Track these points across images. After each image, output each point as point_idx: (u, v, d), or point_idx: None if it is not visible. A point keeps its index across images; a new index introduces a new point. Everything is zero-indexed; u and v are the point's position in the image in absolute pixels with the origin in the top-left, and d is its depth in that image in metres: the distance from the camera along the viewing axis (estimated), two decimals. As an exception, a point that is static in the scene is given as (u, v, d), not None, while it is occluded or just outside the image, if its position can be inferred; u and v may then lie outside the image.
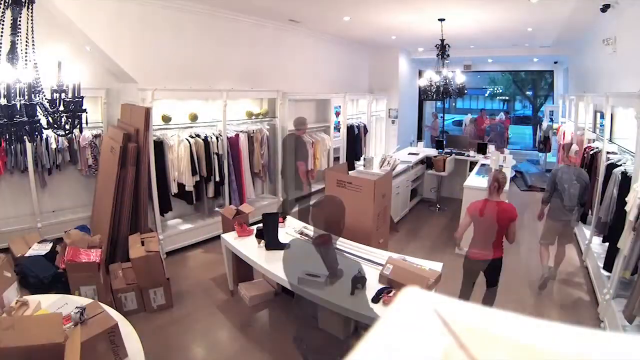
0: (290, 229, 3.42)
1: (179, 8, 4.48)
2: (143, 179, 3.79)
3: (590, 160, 4.56)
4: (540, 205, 3.93)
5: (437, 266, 2.63)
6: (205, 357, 2.79)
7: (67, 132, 2.00)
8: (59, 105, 1.93)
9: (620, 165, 3.65)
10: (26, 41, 1.84)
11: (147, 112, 3.75)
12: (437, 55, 5.80)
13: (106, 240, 3.52)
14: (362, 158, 6.38)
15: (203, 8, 4.68)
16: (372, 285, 2.42)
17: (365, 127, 7.41)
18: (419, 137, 10.50)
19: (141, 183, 3.77)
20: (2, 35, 1.76)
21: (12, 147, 3.78)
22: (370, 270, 2.61)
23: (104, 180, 4.00)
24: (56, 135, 4.03)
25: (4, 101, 1.71)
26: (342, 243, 3.06)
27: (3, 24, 1.79)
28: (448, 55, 5.80)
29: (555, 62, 9.94)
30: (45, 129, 1.93)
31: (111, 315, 1.85)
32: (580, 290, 3.76)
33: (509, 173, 5.17)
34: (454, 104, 18.19)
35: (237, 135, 4.92)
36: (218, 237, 3.65)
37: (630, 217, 2.77)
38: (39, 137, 1.91)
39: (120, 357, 1.73)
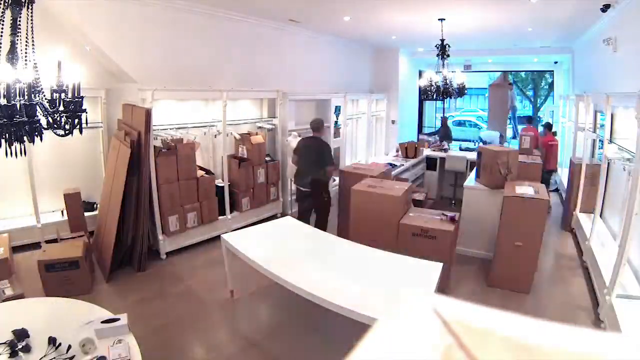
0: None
1: (179, 8, 4.48)
2: (144, 180, 3.79)
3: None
4: None
5: (437, 266, 2.64)
6: (205, 357, 2.78)
7: (67, 132, 1.99)
8: (59, 105, 1.92)
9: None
10: (26, 41, 1.84)
11: (148, 113, 3.73)
12: (437, 55, 5.79)
13: (112, 243, 3.61)
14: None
15: (203, 8, 4.67)
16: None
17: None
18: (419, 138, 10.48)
19: (142, 184, 3.76)
20: (2, 35, 1.76)
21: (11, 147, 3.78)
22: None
23: (109, 182, 4.04)
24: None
25: (3, 101, 1.70)
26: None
27: (3, 24, 1.78)
28: (448, 56, 5.79)
29: (556, 62, 9.91)
30: (45, 129, 1.92)
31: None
32: (580, 290, 3.75)
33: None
34: (454, 103, 18.17)
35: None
36: (218, 237, 3.65)
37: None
38: (38, 137, 1.90)
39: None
